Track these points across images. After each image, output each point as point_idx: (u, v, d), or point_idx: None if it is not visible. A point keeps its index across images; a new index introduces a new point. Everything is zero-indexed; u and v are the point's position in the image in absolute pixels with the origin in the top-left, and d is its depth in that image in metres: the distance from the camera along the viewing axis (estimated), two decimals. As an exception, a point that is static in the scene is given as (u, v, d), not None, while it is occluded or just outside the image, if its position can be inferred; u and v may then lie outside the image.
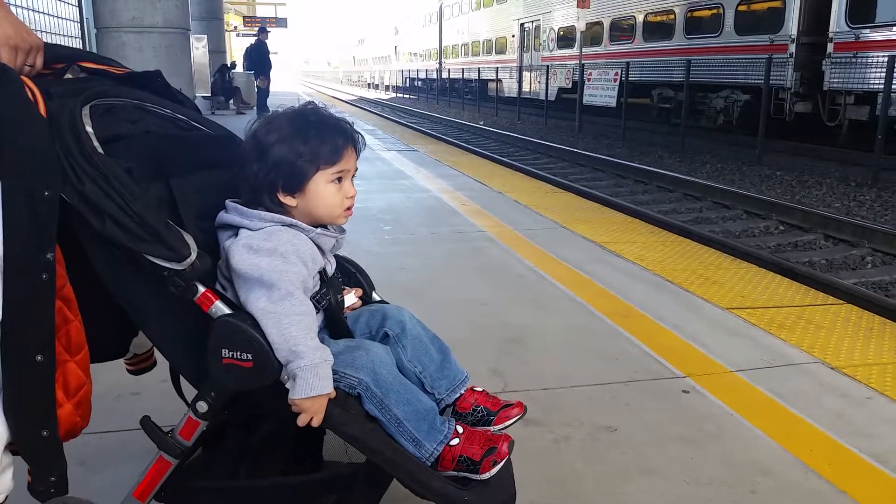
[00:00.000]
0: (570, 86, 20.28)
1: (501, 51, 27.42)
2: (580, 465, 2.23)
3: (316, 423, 1.42)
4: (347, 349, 1.53)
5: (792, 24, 13.05)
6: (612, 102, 16.60)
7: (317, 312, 1.58)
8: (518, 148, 15.11)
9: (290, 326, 1.40)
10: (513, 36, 26.16)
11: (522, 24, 25.14)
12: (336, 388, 1.45)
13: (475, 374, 2.86)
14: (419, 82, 40.78)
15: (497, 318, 3.47)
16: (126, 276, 1.47)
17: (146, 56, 8.90)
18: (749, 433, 2.43)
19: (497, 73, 26.19)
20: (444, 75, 34.70)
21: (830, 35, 12.11)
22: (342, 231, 1.67)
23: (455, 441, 1.51)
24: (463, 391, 1.70)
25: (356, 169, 1.62)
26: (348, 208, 1.60)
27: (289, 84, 52.51)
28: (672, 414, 2.56)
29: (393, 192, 6.90)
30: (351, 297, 1.74)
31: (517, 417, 1.68)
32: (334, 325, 1.63)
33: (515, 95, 23.93)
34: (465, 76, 30.29)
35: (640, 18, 17.79)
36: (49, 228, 1.42)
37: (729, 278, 4.20)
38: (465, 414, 1.67)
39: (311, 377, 1.38)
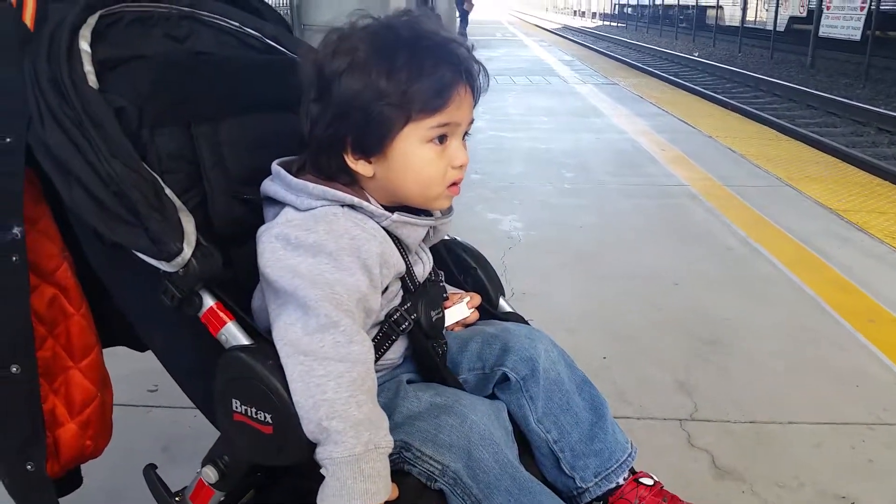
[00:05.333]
0: (804, 15, 17.73)
1: (726, -27, 24.73)
2: (795, 554, 1.54)
3: None
4: (432, 411, 0.97)
5: None
6: (857, 35, 14.20)
7: (393, 340, 1.02)
8: (736, 84, 13.42)
9: (325, 382, 0.85)
10: (741, -43, 23.40)
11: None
12: (406, 475, 0.90)
13: (654, 386, 2.21)
14: (629, 9, 38.24)
15: (692, 306, 2.73)
16: (117, 265, 1.00)
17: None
18: None
19: (718, -2, 23.70)
20: (659, 1, 32.16)
21: None
22: (447, 212, 1.08)
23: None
24: (622, 480, 1.08)
25: (472, 122, 1.01)
26: (454, 184, 1.01)
27: (495, 13, 51.61)
28: (943, 488, 1.76)
29: (582, 131, 6.14)
30: (461, 310, 1.17)
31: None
32: (424, 361, 1.07)
33: (738, 24, 21.47)
34: (681, 2, 27.79)
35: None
36: (11, 192, 0.98)
37: None
38: (620, 518, 1.06)
39: (350, 476, 0.84)
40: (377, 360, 1.01)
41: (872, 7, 13.72)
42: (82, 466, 1.25)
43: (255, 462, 0.94)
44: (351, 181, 0.99)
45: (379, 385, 0.97)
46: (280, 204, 0.99)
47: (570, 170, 4.81)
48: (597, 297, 2.80)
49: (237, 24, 1.24)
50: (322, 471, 0.86)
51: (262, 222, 1.01)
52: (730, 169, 4.87)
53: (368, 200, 0.98)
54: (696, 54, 18.23)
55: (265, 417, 0.88)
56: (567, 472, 1.08)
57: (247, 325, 0.92)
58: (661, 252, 3.32)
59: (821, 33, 15.44)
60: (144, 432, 1.94)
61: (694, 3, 25.81)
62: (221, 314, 0.91)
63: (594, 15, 47.34)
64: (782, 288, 2.92)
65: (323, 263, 0.90)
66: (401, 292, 1.04)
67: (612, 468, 1.08)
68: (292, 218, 0.95)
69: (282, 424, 0.87)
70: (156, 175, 0.92)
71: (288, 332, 0.88)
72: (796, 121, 9.46)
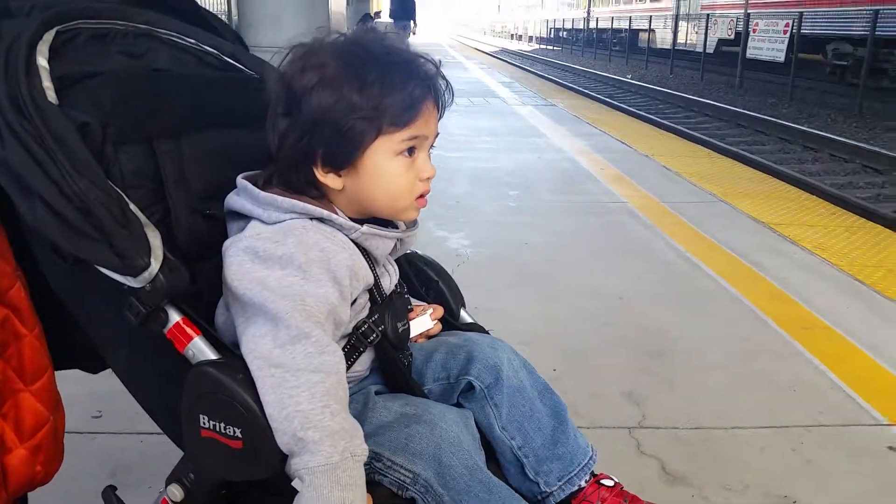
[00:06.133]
0: (731, 37, 18.48)
1: (656, -1, 25.59)
2: (744, 555, 1.60)
3: None
4: (402, 420, 0.98)
5: None
6: (781, 57, 14.88)
7: (361, 351, 1.03)
8: (669, 105, 13.88)
9: (298, 393, 0.86)
10: (670, -18, 24.26)
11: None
12: (377, 485, 0.91)
13: (603, 397, 2.25)
14: (564, 33, 39.15)
15: (636, 319, 2.81)
16: (79, 283, 0.98)
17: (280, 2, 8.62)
18: None
19: (650, 22, 24.45)
20: (593, 25, 33.02)
21: None
22: (413, 225, 1.10)
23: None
24: (584, 483, 1.11)
25: (437, 136, 1.04)
26: (422, 195, 1.03)
27: (436, 36, 52.03)
28: (878, 483, 1.85)
29: (524, 151, 6.24)
30: (424, 321, 1.19)
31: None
32: (391, 372, 1.08)
33: (668, 47, 22.21)
34: (614, 26, 28.59)
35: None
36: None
37: (940, 281, 3.30)
38: (584, 521, 1.08)
39: (327, 486, 0.84)
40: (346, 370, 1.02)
41: (794, 30, 14.40)
42: (29, 494, 1.21)
43: (224, 478, 0.93)
44: (319, 195, 1.00)
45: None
46: (245, 218, 1.00)
47: (514, 188, 4.89)
48: (545, 312, 2.85)
49: (194, 41, 1.24)
50: (295, 483, 0.86)
51: (226, 238, 1.01)
52: (666, 186, 5.03)
53: (337, 213, 0.99)
54: (630, 76, 18.75)
55: (235, 432, 0.87)
56: (531, 477, 1.10)
57: (214, 340, 0.92)
58: (605, 268, 3.41)
59: (748, 55, 16.10)
60: (91, 459, 1.88)
61: (627, 27, 26.58)
62: (188, 329, 0.91)
63: (530, 38, 48.28)
64: (721, 300, 3.03)
65: (292, 275, 0.91)
66: (368, 304, 1.05)
67: (575, 471, 1.11)
68: (260, 231, 0.95)
69: (252, 439, 0.87)
70: (120, 191, 0.92)
71: (258, 345, 0.89)
72: (727, 139, 9.83)
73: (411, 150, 0.99)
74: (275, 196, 0.97)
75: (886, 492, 1.82)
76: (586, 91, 14.90)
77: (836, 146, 9.10)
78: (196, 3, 1.30)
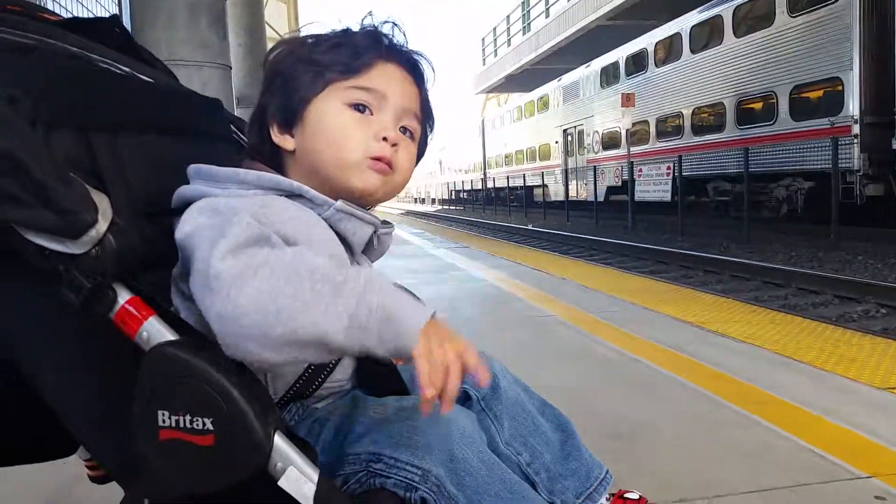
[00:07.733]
0: (619, 184, 19.77)
1: (545, 157, 27.38)
2: None
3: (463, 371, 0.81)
4: (401, 413, 0.83)
5: (853, 104, 12.46)
6: (667, 196, 15.94)
7: (336, 359, 0.89)
8: (571, 246, 14.43)
9: (276, 270, 0.75)
10: (556, 142, 26.13)
11: (565, 131, 25.13)
12: (380, 489, 0.74)
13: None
14: (464, 193, 41.02)
15: (589, 407, 2.68)
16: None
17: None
18: None
19: (543, 177, 26.01)
20: (489, 184, 34.83)
21: (897, 110, 11.46)
22: (387, 225, 1.00)
23: None
24: (605, 501, 0.96)
25: (420, 118, 0.98)
26: (378, 158, 0.93)
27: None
28: (877, 532, 1.74)
29: (443, 283, 6.23)
30: None
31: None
32: (374, 374, 0.93)
33: (563, 199, 23.49)
34: (510, 184, 30.24)
35: (687, 113, 17.41)
36: None
37: (867, 355, 3.37)
38: (614, 542, 0.93)
39: (375, 300, 0.81)
40: (323, 382, 0.87)
41: (676, 173, 15.58)
42: None
43: (190, 491, 0.74)
44: (278, 165, 0.92)
45: (330, 406, 0.82)
46: None
47: (441, 311, 4.79)
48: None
49: (129, 70, 1.15)
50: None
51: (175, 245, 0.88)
52: (589, 301, 5.07)
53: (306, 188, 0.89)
54: (531, 225, 19.57)
55: (204, 424, 0.70)
56: (545, 497, 0.94)
57: (173, 320, 0.76)
58: (547, 368, 3.30)
59: (637, 198, 17.17)
60: None
61: (522, 185, 28.14)
62: (138, 309, 0.75)
63: (433, 200, 50.27)
64: (668, 386, 2.96)
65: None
66: None
67: (594, 486, 0.97)
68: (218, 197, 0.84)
69: (226, 429, 0.70)
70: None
71: (209, 260, 0.74)
72: (633, 270, 10.19)
73: (363, 108, 0.92)
74: (237, 170, 0.86)
75: (887, 539, 1.71)
76: (494, 237, 15.39)
77: (737, 267, 9.57)
78: (128, 30, 1.22)
